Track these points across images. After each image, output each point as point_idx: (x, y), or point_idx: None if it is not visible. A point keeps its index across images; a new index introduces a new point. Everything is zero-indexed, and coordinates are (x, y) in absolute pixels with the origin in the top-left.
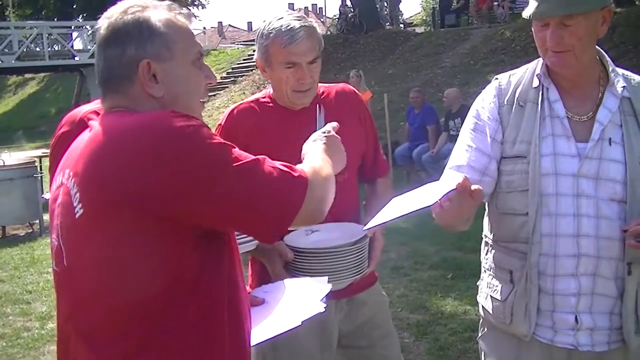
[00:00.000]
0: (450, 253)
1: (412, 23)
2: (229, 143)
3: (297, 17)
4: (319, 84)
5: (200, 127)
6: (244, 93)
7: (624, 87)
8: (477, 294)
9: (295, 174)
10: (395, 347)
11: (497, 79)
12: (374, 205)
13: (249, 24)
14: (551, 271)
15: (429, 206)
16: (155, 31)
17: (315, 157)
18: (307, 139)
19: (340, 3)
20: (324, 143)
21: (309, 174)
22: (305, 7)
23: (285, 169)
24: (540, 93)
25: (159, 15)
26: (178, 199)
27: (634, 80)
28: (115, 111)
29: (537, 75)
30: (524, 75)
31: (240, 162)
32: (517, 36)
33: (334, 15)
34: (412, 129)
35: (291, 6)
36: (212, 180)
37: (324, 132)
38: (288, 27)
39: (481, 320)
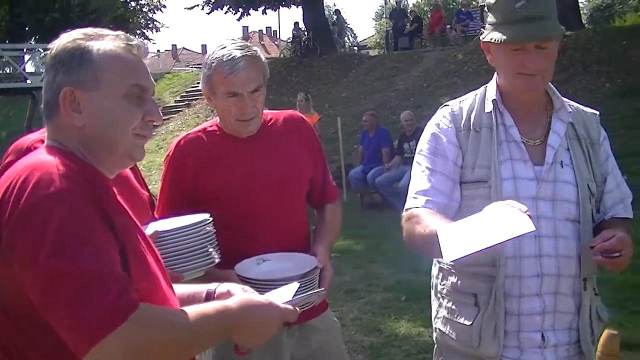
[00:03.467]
0: (404, 275)
1: (366, 46)
2: (87, 232)
3: (240, 46)
4: (267, 111)
5: (65, 199)
6: (197, 116)
7: (569, 112)
8: (433, 317)
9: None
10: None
11: (447, 105)
12: (322, 231)
13: (203, 46)
14: (517, 292)
15: (510, 239)
16: (86, 60)
17: (203, 312)
18: (258, 166)
19: (293, 26)
20: (257, 308)
21: (139, 316)
22: (259, 30)
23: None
24: (494, 118)
25: (101, 45)
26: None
27: (572, 106)
28: (41, 146)
29: (492, 100)
30: (475, 100)
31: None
32: (469, 59)
33: (288, 39)
34: (367, 152)
35: (245, 29)
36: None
37: (280, 305)
38: (229, 57)
39: (436, 347)
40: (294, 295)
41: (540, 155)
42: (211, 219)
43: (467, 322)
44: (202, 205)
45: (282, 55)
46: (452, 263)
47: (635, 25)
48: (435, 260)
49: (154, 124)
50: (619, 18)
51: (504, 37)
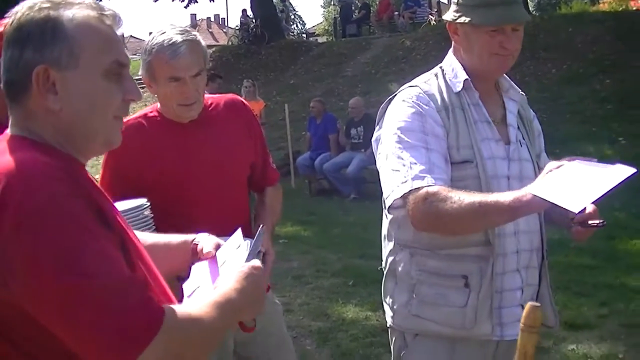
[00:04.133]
0: (351, 261)
1: (314, 33)
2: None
3: (180, 31)
4: (208, 96)
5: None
6: (145, 104)
7: (519, 92)
8: (391, 303)
9: (144, 318)
10: (290, 354)
11: (415, 86)
12: (263, 215)
13: (145, 44)
14: (501, 269)
15: (619, 183)
16: (59, 33)
17: (216, 299)
18: (199, 151)
19: (241, 14)
20: (243, 280)
21: (168, 325)
22: (207, 18)
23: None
24: (465, 99)
25: (73, 14)
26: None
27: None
28: (4, 139)
29: (464, 80)
30: (437, 82)
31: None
32: (417, 45)
33: (236, 26)
34: (314, 139)
35: (193, 17)
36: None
37: (253, 266)
38: (170, 42)
39: (398, 334)
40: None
41: (505, 134)
42: (148, 203)
43: (459, 305)
44: (143, 191)
45: (230, 43)
46: (414, 247)
47: (581, 12)
48: (397, 245)
49: (132, 102)
50: (565, 5)
51: (487, 19)
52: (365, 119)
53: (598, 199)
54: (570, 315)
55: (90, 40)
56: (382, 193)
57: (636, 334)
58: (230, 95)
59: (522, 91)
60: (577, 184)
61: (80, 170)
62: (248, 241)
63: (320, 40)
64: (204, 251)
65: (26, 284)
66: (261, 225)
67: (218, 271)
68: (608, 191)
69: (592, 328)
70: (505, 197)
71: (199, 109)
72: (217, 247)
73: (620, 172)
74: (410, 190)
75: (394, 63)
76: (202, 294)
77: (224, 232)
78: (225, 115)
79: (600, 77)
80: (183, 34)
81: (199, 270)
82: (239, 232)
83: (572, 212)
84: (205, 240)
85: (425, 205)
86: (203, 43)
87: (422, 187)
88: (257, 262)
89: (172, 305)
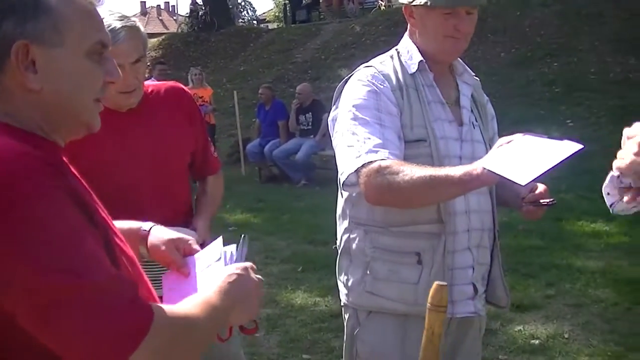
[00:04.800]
0: (300, 247)
1: (265, 20)
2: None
3: (119, 17)
4: (148, 83)
5: (50, 204)
6: None
7: (473, 76)
8: (345, 281)
9: (134, 314)
10: (234, 342)
11: (370, 66)
12: (203, 204)
13: None
14: (452, 247)
15: (566, 158)
16: (43, 7)
17: (201, 301)
18: (137, 140)
19: (191, 1)
20: (231, 282)
21: (158, 325)
22: (157, 6)
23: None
24: (419, 80)
25: None
26: None
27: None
28: None
29: (419, 62)
30: (392, 63)
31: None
32: (367, 31)
33: (186, 13)
34: (263, 126)
35: (143, 4)
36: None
37: (239, 268)
38: (109, 28)
39: (352, 311)
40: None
41: (458, 116)
42: None
43: (412, 281)
44: (82, 177)
45: (179, 31)
46: (367, 225)
47: None
48: (351, 223)
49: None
50: None
51: (441, 1)
52: (314, 105)
53: (545, 173)
54: (517, 297)
55: (76, 17)
56: (332, 179)
57: (581, 313)
58: (171, 83)
59: (477, 77)
60: (526, 158)
61: (62, 159)
62: (232, 248)
63: (271, 26)
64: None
65: (7, 283)
66: (243, 235)
67: (196, 278)
68: (555, 166)
69: (539, 309)
70: (456, 170)
71: (139, 96)
72: (173, 244)
73: (568, 147)
74: (363, 164)
75: (343, 49)
76: (189, 297)
77: (163, 220)
78: (166, 103)
79: (548, 60)
80: (122, 20)
81: (172, 279)
82: (219, 240)
83: (519, 185)
84: (159, 233)
85: (378, 177)
86: (142, 28)
87: (375, 160)
88: (242, 264)
89: (160, 305)
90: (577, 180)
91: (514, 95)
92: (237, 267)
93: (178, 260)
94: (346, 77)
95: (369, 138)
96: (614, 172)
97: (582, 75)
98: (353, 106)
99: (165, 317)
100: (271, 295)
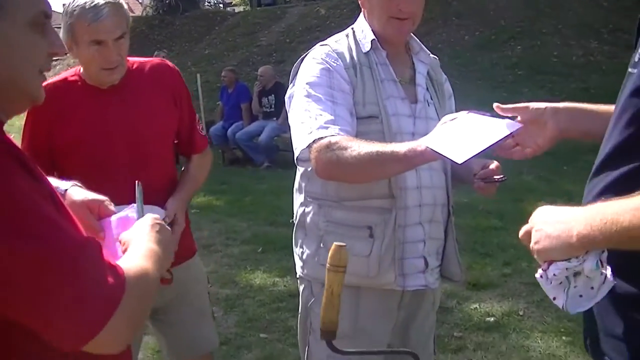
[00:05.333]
0: (261, 228)
1: (231, 3)
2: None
3: None
4: (134, 59)
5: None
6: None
7: (429, 55)
8: (301, 254)
9: (111, 280)
10: (208, 326)
11: (325, 45)
12: (181, 184)
13: (65, 6)
14: (403, 221)
15: (504, 137)
16: None
17: (146, 252)
18: (116, 118)
19: None
20: (158, 231)
21: (129, 283)
22: None
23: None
24: (373, 58)
25: None
26: None
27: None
28: None
29: (372, 40)
30: (347, 42)
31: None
32: (332, 14)
33: None
34: (226, 108)
35: None
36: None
37: (152, 217)
38: (92, 4)
39: (307, 283)
40: None
41: (412, 93)
42: None
43: (364, 254)
44: (60, 154)
45: (144, 14)
46: (321, 200)
47: None
48: (307, 197)
49: (57, 56)
50: None
51: None
52: (276, 88)
53: (482, 152)
54: (474, 276)
55: None
56: (294, 161)
57: (536, 291)
58: (157, 60)
59: (435, 57)
60: (466, 136)
61: (4, 133)
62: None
63: (237, 9)
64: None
65: None
66: (137, 182)
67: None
68: (492, 145)
69: (495, 287)
70: (401, 147)
71: (122, 73)
72: (86, 206)
73: (508, 126)
74: (314, 140)
75: (308, 32)
76: (133, 249)
77: (151, 196)
78: (150, 80)
79: (511, 43)
80: None
81: None
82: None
83: (456, 163)
84: (74, 195)
85: (327, 153)
86: (125, 6)
87: (326, 136)
88: (155, 216)
89: (118, 264)
90: (537, 161)
91: (477, 78)
92: (153, 218)
93: (93, 224)
94: (302, 56)
95: (321, 115)
96: (540, 275)
97: (545, 58)
98: (307, 84)
99: (131, 275)
100: (230, 276)
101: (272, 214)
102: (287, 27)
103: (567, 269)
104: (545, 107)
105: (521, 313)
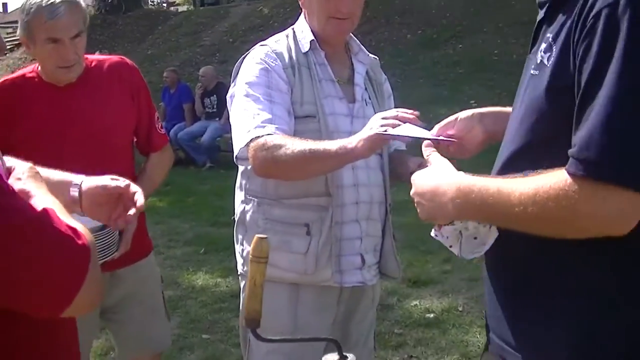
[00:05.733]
0: (204, 229)
1: (174, 2)
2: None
3: None
4: (93, 57)
5: None
6: None
7: (367, 56)
8: (240, 251)
9: (79, 242)
10: (160, 327)
11: (265, 45)
12: (141, 181)
13: (4, 5)
14: (339, 219)
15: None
16: None
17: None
18: (72, 115)
19: None
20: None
21: (91, 241)
22: None
23: (69, 232)
24: (312, 58)
25: None
26: None
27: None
28: None
29: (310, 41)
30: (287, 42)
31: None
32: (275, 13)
33: None
34: (168, 109)
35: None
36: None
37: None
38: (49, 2)
39: (246, 282)
40: None
41: (350, 93)
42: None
43: (301, 251)
44: (16, 151)
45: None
46: (260, 198)
47: None
48: (247, 195)
49: None
50: None
51: None
52: (218, 88)
53: (422, 138)
54: (415, 273)
55: None
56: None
57: (475, 287)
58: (116, 58)
59: (377, 56)
60: (404, 129)
61: None
62: None
63: (181, 9)
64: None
65: None
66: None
67: None
68: (429, 138)
69: (436, 284)
70: (333, 144)
71: (79, 71)
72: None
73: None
74: (252, 139)
75: (252, 31)
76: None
77: None
78: (108, 78)
79: (453, 42)
80: None
81: None
82: None
83: (408, 138)
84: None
85: (263, 151)
86: (82, 3)
87: (262, 135)
88: None
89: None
90: (478, 160)
91: (419, 77)
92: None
93: None
94: (243, 55)
95: (259, 114)
96: (434, 234)
97: (486, 56)
98: (246, 83)
99: (90, 239)
100: (173, 277)
101: (215, 214)
102: (231, 27)
103: (455, 229)
104: (472, 114)
105: (460, 309)
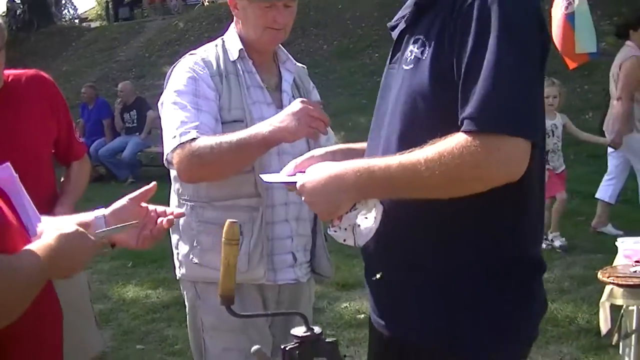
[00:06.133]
0: None
1: (87, 18)
2: None
3: None
4: (9, 72)
5: None
6: None
7: (294, 64)
8: (178, 255)
9: None
10: (90, 331)
11: (193, 54)
12: (65, 191)
13: None
14: (270, 219)
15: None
16: None
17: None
18: None
19: None
20: (62, 238)
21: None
22: None
23: None
24: (240, 66)
25: None
26: None
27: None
28: None
29: (239, 50)
30: (215, 51)
31: None
32: (190, 27)
33: (3, 12)
34: (87, 125)
35: None
36: None
37: (77, 230)
38: None
39: (195, 287)
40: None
41: (277, 99)
42: None
43: None
44: None
45: None
46: (192, 201)
47: None
48: (179, 199)
49: None
50: None
51: None
52: (137, 103)
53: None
54: (343, 276)
55: None
56: (158, 175)
57: None
58: (32, 71)
59: (303, 66)
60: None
61: None
62: None
63: (94, 25)
64: None
65: None
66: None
67: None
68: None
69: (364, 286)
70: (241, 133)
71: None
72: None
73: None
74: (177, 145)
75: (167, 46)
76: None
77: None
78: (26, 91)
79: (369, 51)
80: None
81: None
82: None
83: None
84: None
85: (189, 157)
86: (2, 21)
87: (186, 141)
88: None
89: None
90: None
91: (337, 86)
92: (75, 230)
93: None
94: (174, 64)
95: (185, 121)
96: (333, 230)
97: None
98: (174, 92)
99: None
100: (103, 290)
101: None
102: (146, 42)
103: (358, 214)
104: (325, 152)
105: None
